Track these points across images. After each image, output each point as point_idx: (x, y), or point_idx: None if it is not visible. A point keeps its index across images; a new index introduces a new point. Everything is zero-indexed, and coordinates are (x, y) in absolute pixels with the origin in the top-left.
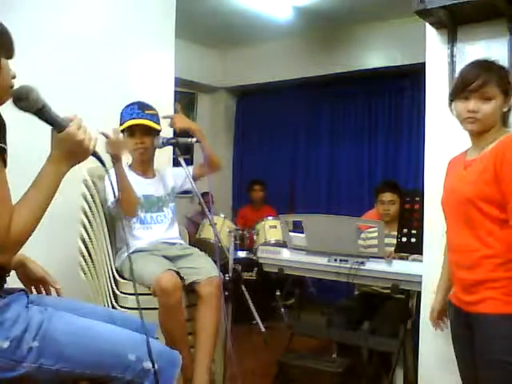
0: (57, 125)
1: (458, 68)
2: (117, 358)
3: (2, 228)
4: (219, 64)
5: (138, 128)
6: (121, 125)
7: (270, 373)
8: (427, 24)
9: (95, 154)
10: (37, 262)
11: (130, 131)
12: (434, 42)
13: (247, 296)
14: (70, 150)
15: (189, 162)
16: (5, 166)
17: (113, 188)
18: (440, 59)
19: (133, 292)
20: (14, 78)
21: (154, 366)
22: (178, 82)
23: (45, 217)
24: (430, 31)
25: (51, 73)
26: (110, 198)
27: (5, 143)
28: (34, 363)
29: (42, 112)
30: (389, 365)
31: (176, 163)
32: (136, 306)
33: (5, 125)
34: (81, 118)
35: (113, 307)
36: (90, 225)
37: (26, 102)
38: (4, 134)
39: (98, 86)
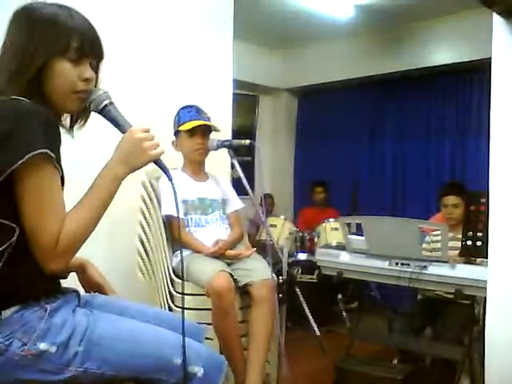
0: (121, 124)
1: None
2: (162, 361)
3: (50, 236)
4: (281, 65)
5: (200, 129)
6: (180, 126)
7: (327, 378)
8: (494, 14)
9: (159, 163)
10: (97, 268)
11: (191, 132)
12: (501, 33)
13: (301, 299)
14: (127, 151)
15: (246, 165)
16: (59, 172)
17: (176, 202)
18: (508, 51)
19: (189, 292)
20: (85, 80)
21: (184, 368)
22: (240, 84)
23: (105, 217)
24: (497, 21)
25: (106, 76)
26: (164, 210)
27: (53, 150)
28: (80, 367)
29: (106, 111)
30: (453, 373)
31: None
32: (192, 306)
33: (59, 133)
34: (149, 128)
35: (169, 307)
36: (148, 225)
37: (88, 100)
38: (53, 140)
39: (155, 89)
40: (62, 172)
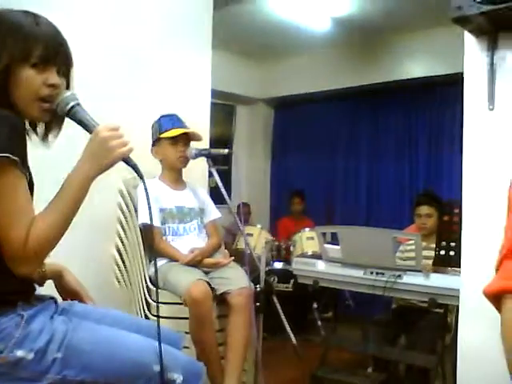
0: (89, 125)
1: (498, 76)
2: (141, 368)
3: (18, 239)
4: (257, 75)
5: (183, 137)
6: (162, 133)
7: None
8: (466, 32)
9: (128, 162)
10: (73, 275)
11: (174, 140)
12: (472, 49)
13: (278, 308)
14: (95, 150)
15: (222, 174)
16: (25, 175)
17: (149, 209)
18: (479, 67)
19: (166, 301)
20: (51, 86)
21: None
22: (217, 94)
23: (82, 226)
24: (469, 39)
25: (85, 83)
26: (141, 218)
27: (17, 154)
28: (58, 374)
29: (72, 113)
30: (427, 381)
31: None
32: (169, 315)
33: (23, 136)
34: (117, 124)
35: (146, 316)
36: (125, 234)
37: (55, 104)
38: (17, 143)
39: (132, 97)
40: (30, 176)
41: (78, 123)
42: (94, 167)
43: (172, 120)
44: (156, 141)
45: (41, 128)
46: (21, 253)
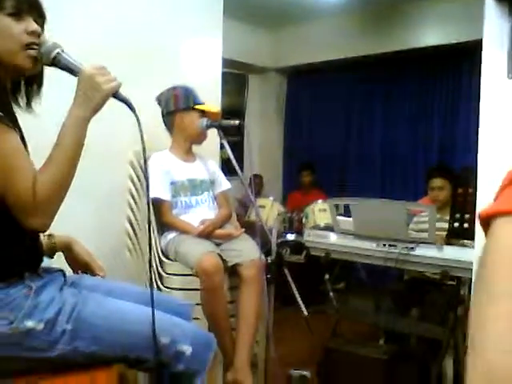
0: (75, 69)
1: None
2: (149, 340)
3: (25, 190)
4: (270, 44)
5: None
6: (196, 104)
7: (314, 357)
8: None
9: (118, 96)
10: (83, 246)
11: (203, 115)
12: (492, 15)
13: (290, 279)
14: (83, 91)
15: (234, 146)
16: (15, 130)
17: (147, 180)
18: (499, 34)
19: (177, 272)
20: (32, 33)
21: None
22: (229, 63)
23: (93, 198)
24: (489, 4)
25: (97, 53)
26: (151, 193)
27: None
28: (69, 345)
29: (58, 60)
30: (438, 353)
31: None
32: (180, 287)
33: (5, 93)
34: (103, 65)
35: (158, 287)
36: (137, 206)
37: (39, 54)
38: None
39: (143, 66)
40: (21, 131)
41: (65, 69)
42: (87, 108)
43: (196, 94)
44: (185, 109)
45: (22, 91)
46: (31, 203)
